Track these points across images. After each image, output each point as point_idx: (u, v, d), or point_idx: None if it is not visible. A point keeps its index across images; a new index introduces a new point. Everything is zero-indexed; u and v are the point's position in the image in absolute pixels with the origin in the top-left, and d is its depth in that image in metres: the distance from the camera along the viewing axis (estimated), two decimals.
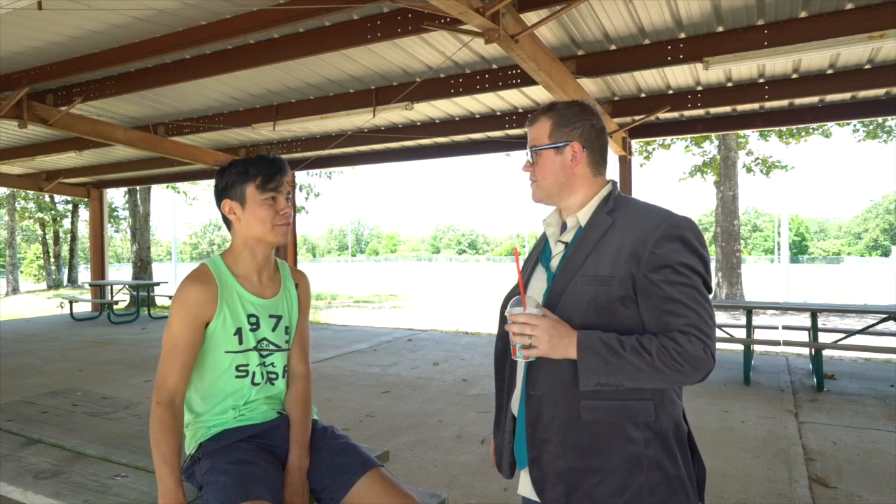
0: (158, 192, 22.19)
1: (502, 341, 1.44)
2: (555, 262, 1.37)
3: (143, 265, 15.88)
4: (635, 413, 1.24)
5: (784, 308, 5.65)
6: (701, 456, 1.34)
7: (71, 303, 11.67)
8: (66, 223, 27.50)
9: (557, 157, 1.36)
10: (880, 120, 12.63)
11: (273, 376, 1.72)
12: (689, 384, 1.21)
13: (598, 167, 1.39)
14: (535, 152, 1.38)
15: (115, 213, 29.52)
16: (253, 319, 1.67)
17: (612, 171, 8.55)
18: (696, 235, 1.24)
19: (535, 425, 1.29)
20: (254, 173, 1.62)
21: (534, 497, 1.32)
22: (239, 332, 1.64)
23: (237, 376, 1.65)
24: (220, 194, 1.67)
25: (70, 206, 26.81)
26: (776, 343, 5.78)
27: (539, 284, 1.39)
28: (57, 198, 26.24)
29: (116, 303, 11.70)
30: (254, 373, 1.67)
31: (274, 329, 1.72)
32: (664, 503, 1.23)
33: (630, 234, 1.25)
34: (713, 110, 6.89)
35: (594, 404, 1.24)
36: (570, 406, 1.26)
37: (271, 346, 1.71)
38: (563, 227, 1.42)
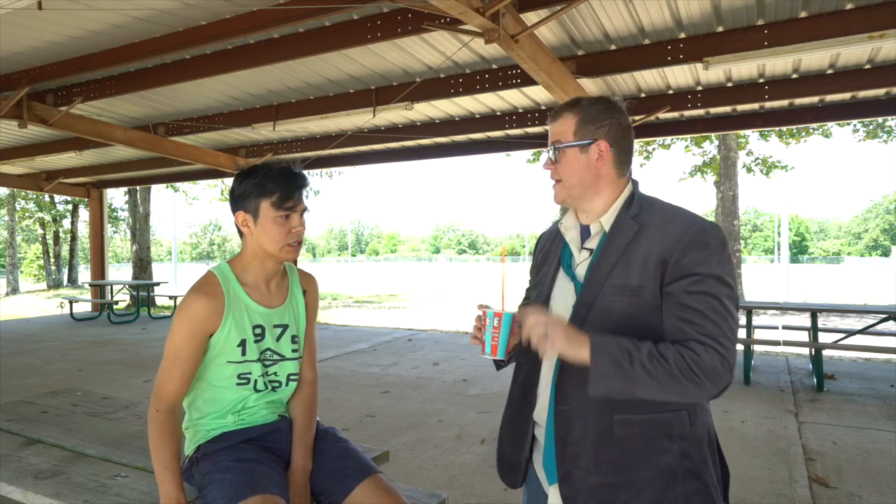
0: (158, 192, 22.19)
1: (523, 356, 1.39)
2: (581, 271, 1.31)
3: (143, 265, 15.87)
4: (669, 425, 1.19)
5: (784, 308, 5.65)
6: (725, 459, 1.31)
7: (71, 303, 11.67)
8: (66, 223, 27.50)
9: (582, 155, 1.29)
10: (880, 120, 12.63)
11: (276, 384, 1.70)
12: (703, 399, 1.15)
13: (624, 168, 1.32)
14: (559, 150, 1.31)
15: (115, 214, 29.51)
16: (258, 330, 1.65)
17: None
18: (722, 243, 1.20)
19: (565, 441, 1.24)
20: (271, 189, 1.57)
21: None
22: (243, 343, 1.62)
23: (238, 384, 1.64)
24: (235, 203, 1.63)
25: (70, 206, 26.80)
26: (776, 343, 5.79)
27: (566, 295, 1.32)
28: (57, 198, 26.24)
29: (116, 303, 11.71)
30: (256, 381, 1.66)
31: (279, 339, 1.70)
32: None
33: (658, 242, 1.20)
34: (713, 110, 6.89)
35: (629, 419, 1.19)
36: (602, 421, 1.21)
37: (275, 356, 1.69)
38: (584, 231, 1.35)
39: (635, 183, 1.35)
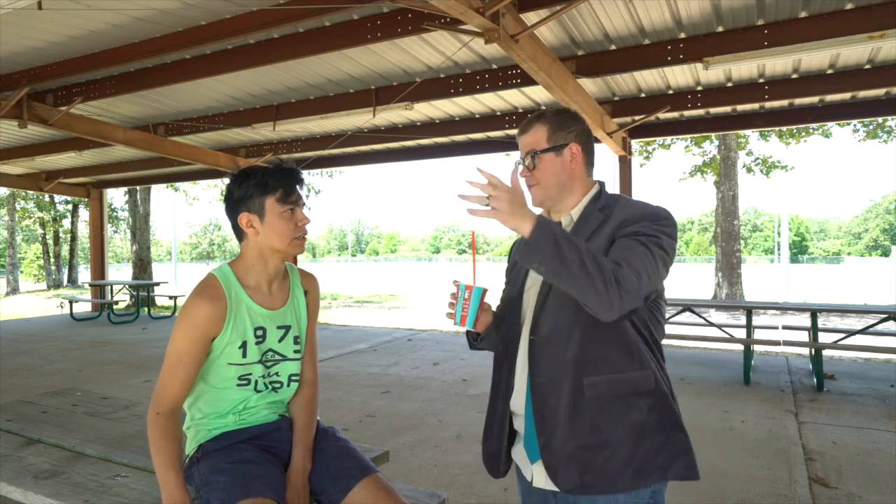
0: (158, 192, 22.23)
1: (503, 342, 1.48)
2: None
3: (143, 265, 15.88)
4: (636, 383, 1.30)
5: (784, 308, 5.65)
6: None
7: (71, 303, 11.66)
8: (66, 223, 27.51)
9: (557, 158, 1.43)
10: (880, 120, 12.63)
11: (277, 385, 1.70)
12: (609, 309, 1.16)
13: (591, 168, 1.48)
14: (535, 156, 1.44)
15: (115, 214, 29.50)
16: (259, 332, 1.65)
17: (613, 170, 8.53)
18: (671, 223, 1.33)
19: (543, 412, 1.33)
20: (273, 185, 1.60)
21: (550, 486, 1.34)
22: (244, 345, 1.62)
23: (239, 385, 1.64)
24: (236, 205, 1.63)
25: (70, 206, 26.81)
26: (776, 343, 5.79)
27: (535, 284, 1.43)
28: (57, 198, 26.25)
29: (116, 303, 11.70)
30: (256, 381, 1.66)
31: (281, 340, 1.70)
32: (669, 460, 1.30)
33: (615, 222, 1.34)
34: (713, 110, 6.89)
35: (596, 380, 1.29)
36: (573, 386, 1.30)
37: (277, 357, 1.69)
38: None
39: (601, 183, 1.49)
